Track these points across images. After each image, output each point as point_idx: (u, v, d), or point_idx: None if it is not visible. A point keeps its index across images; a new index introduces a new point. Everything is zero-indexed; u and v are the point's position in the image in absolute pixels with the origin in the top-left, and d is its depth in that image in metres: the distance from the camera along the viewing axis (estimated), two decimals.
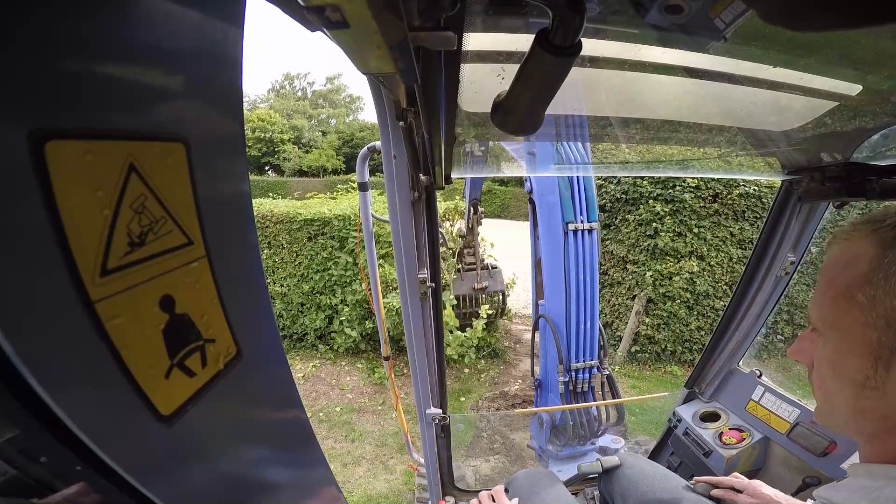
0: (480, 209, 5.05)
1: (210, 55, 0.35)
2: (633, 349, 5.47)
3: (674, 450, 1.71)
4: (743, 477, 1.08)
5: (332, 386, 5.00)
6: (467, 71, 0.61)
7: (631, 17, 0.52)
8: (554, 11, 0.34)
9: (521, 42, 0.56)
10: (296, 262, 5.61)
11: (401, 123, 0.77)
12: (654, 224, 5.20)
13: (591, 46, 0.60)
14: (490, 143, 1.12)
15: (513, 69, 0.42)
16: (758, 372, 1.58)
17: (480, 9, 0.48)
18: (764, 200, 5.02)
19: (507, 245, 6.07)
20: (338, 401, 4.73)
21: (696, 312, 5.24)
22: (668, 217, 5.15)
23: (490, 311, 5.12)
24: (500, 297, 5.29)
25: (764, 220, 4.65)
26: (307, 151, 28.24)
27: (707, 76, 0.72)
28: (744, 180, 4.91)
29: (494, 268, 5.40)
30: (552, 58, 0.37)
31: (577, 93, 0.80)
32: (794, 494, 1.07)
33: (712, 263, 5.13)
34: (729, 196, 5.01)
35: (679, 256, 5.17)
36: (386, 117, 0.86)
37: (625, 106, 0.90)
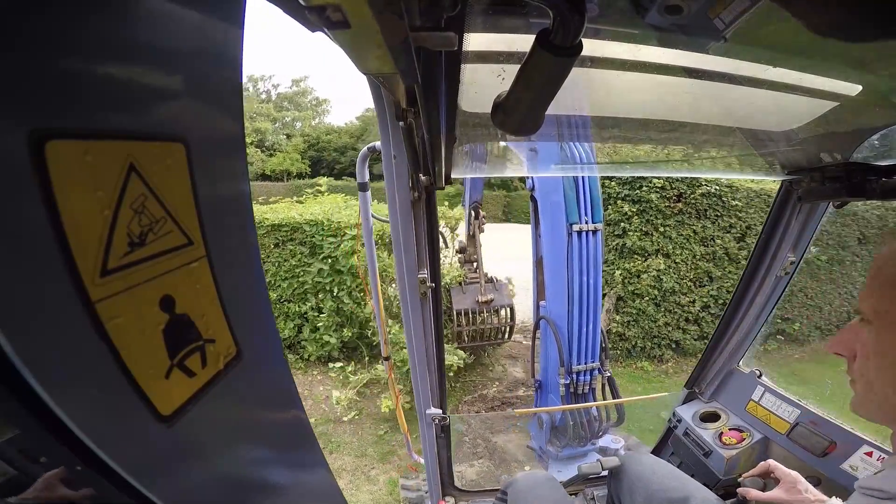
0: (482, 213, 4.56)
1: (210, 55, 0.35)
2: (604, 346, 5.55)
3: (674, 450, 1.71)
4: (785, 470, 1.04)
5: (305, 397, 4.78)
6: (468, 71, 0.61)
7: (631, 17, 0.52)
8: (554, 12, 0.34)
9: (522, 42, 0.56)
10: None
11: (401, 123, 0.77)
12: (623, 224, 5.31)
13: (591, 46, 0.60)
14: (490, 143, 1.12)
15: (513, 69, 0.42)
16: (758, 372, 1.58)
17: (481, 9, 0.48)
18: (724, 199, 5.25)
19: (508, 248, 5.92)
20: (311, 412, 4.53)
21: (663, 309, 5.41)
22: (635, 217, 5.27)
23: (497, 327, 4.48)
24: (508, 312, 4.58)
25: (720, 217, 4.66)
26: (271, 155, 27.51)
27: (707, 76, 0.72)
28: (705, 180, 5.09)
29: (499, 280, 4.86)
30: (553, 58, 0.37)
31: (577, 93, 0.80)
32: None
33: (677, 261, 5.32)
34: (692, 195, 5.20)
35: (646, 255, 5.31)
36: (386, 117, 0.86)
37: (625, 106, 0.90)
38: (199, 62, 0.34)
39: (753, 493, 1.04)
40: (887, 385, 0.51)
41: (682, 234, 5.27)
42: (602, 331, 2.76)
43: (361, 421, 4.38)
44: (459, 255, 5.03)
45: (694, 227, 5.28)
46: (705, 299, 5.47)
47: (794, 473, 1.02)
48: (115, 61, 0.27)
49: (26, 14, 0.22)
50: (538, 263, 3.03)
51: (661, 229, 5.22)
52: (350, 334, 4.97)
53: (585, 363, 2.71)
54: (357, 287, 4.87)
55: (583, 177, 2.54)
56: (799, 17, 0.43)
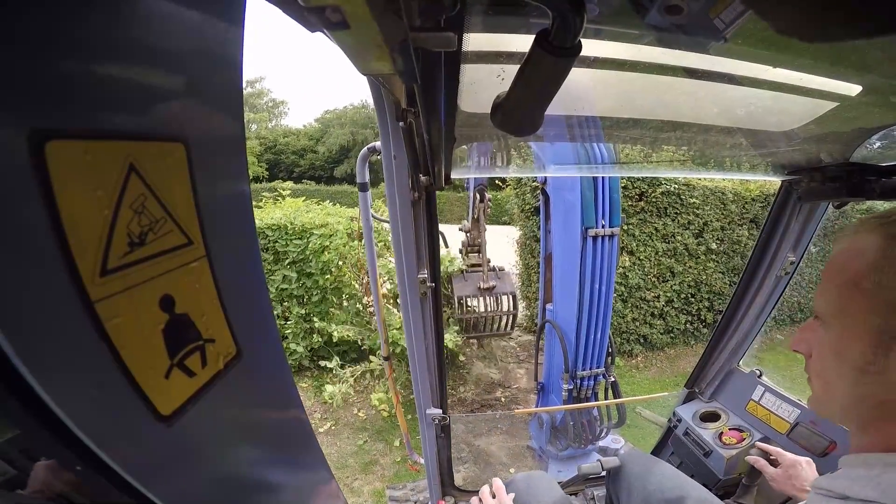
0: (487, 196, 4.30)
1: (210, 55, 0.35)
2: None
3: (674, 450, 1.71)
4: (793, 456, 1.13)
5: None
6: (467, 71, 0.61)
7: (631, 17, 0.52)
8: (554, 12, 0.34)
9: (522, 43, 0.56)
10: None
11: (401, 124, 0.77)
12: None
13: (591, 47, 0.60)
14: (490, 143, 1.12)
15: (513, 70, 0.42)
16: (758, 372, 1.58)
17: (480, 9, 0.48)
18: (682, 198, 5.38)
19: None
20: None
21: (630, 304, 5.51)
22: None
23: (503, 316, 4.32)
24: (511, 300, 4.38)
25: (679, 214, 4.64)
26: None
27: (707, 76, 0.72)
28: (664, 179, 5.16)
29: (502, 269, 4.65)
30: (552, 58, 0.37)
31: (576, 93, 0.80)
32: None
33: (641, 258, 5.44)
34: (653, 194, 5.30)
35: None
36: (386, 118, 0.86)
37: (624, 106, 0.90)
38: (199, 62, 0.34)
39: (761, 462, 1.17)
40: (844, 385, 0.50)
41: (644, 232, 5.40)
42: (610, 337, 2.67)
43: (338, 431, 4.23)
44: (462, 238, 4.80)
45: (655, 225, 5.41)
46: (669, 294, 5.60)
47: (793, 459, 1.10)
48: (115, 61, 0.27)
49: (26, 14, 0.22)
50: (546, 260, 2.91)
51: (625, 227, 5.32)
52: (319, 341, 4.71)
53: (590, 369, 2.65)
54: (332, 285, 4.73)
55: (603, 177, 2.35)
56: (762, 16, 0.43)
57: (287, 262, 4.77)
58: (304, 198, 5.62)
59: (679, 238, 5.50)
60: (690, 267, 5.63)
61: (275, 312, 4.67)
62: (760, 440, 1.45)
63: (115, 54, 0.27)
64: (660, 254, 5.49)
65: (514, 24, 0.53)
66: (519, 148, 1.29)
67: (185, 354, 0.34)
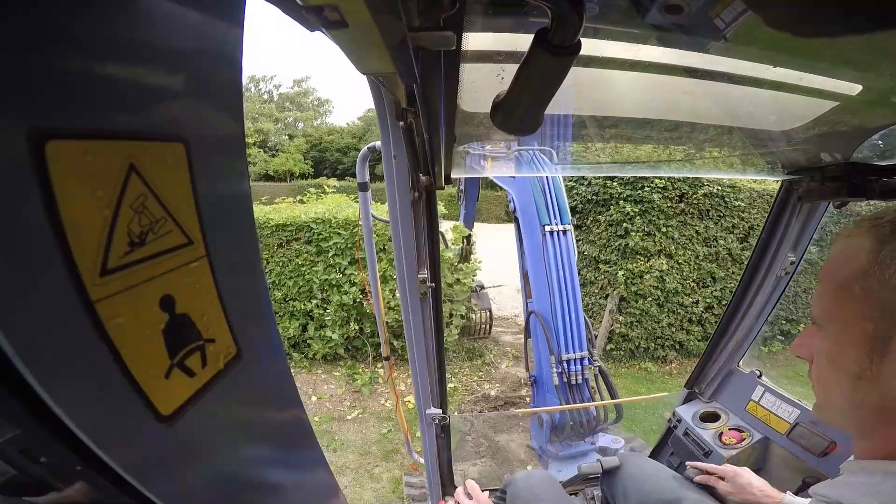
0: (473, 240, 5.88)
1: (210, 55, 0.35)
2: (608, 347, 5.57)
3: (674, 450, 1.71)
4: (731, 467, 1.14)
5: (309, 395, 4.83)
6: (467, 71, 0.61)
7: (631, 17, 0.52)
8: (553, 11, 0.34)
9: (522, 42, 0.56)
10: (266, 270, 5.31)
11: (401, 123, 0.77)
12: (625, 224, 5.34)
13: (591, 46, 0.60)
14: (490, 142, 1.12)
15: (512, 69, 0.42)
16: (758, 372, 1.58)
17: (480, 8, 0.48)
18: (727, 200, 5.26)
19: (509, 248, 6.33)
20: (316, 410, 4.60)
21: (666, 309, 5.40)
22: (637, 217, 5.30)
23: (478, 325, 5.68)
24: (488, 314, 5.87)
25: (722, 217, 4.74)
26: (273, 155, 27.54)
27: (707, 76, 0.72)
28: (707, 180, 5.13)
29: (482, 288, 6.03)
30: (551, 57, 0.37)
31: (577, 92, 0.80)
32: (795, 494, 1.07)
33: (680, 261, 5.33)
34: (694, 196, 5.21)
35: (649, 255, 5.33)
36: (386, 117, 0.86)
37: (625, 106, 0.90)
38: (199, 62, 0.34)
39: (711, 479, 1.17)
40: (842, 391, 0.50)
41: (684, 235, 5.28)
42: (586, 321, 2.97)
43: (365, 419, 4.44)
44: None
45: (696, 228, 5.29)
46: (708, 300, 5.44)
47: (732, 470, 1.12)
48: (115, 61, 0.27)
49: (26, 13, 0.22)
50: (524, 276, 3.36)
51: (664, 230, 5.25)
52: (356, 328, 5.04)
53: (574, 352, 2.92)
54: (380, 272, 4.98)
55: (549, 184, 2.91)
56: (757, 10, 0.43)
57: (331, 254, 5.05)
58: (346, 194, 6.13)
59: (722, 242, 5.32)
60: (734, 272, 5.41)
61: (315, 301, 5.10)
62: (760, 441, 1.46)
63: (116, 54, 0.27)
64: (700, 258, 5.33)
65: (514, 24, 0.53)
66: (520, 148, 1.28)
67: (185, 354, 0.34)
